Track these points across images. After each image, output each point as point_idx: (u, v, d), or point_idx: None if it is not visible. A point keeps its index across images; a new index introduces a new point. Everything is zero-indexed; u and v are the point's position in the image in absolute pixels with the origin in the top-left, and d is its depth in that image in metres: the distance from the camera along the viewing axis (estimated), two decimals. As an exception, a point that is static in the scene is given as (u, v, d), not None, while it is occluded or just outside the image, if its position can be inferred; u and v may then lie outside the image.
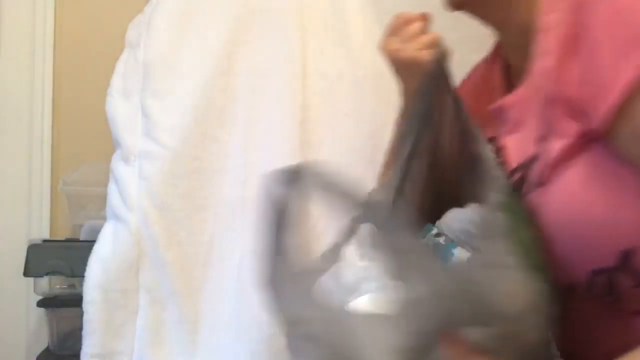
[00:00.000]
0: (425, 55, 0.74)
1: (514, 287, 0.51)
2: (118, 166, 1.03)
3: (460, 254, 0.61)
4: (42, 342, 1.36)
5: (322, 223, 0.95)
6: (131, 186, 1.01)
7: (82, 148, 1.50)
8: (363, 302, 0.59)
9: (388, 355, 0.46)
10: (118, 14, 1.46)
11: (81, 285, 0.98)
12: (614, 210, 0.54)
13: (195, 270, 1.03)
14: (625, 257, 0.54)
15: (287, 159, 1.05)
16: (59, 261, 1.14)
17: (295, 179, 0.56)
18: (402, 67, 0.79)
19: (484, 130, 0.64)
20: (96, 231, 1.03)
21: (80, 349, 0.98)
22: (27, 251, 1.15)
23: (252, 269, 1.03)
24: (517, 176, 0.63)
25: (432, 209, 0.67)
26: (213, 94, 1.05)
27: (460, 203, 0.65)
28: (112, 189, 1.04)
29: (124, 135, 1.03)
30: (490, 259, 0.52)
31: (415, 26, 0.77)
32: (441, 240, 0.63)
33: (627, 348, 0.52)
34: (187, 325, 1.02)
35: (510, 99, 0.67)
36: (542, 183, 0.59)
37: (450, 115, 0.65)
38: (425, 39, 0.76)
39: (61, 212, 1.48)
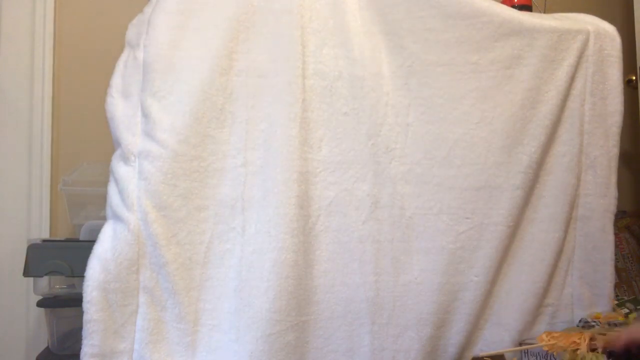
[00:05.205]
0: None
1: None
2: (118, 166, 1.03)
3: None
4: (42, 342, 1.36)
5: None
6: (131, 186, 1.01)
7: (82, 148, 1.50)
8: None
9: None
10: (118, 14, 1.46)
11: (81, 285, 0.98)
12: None
13: (195, 270, 1.03)
14: None
15: (287, 159, 1.05)
16: (59, 261, 1.14)
17: None
18: None
19: None
20: (96, 231, 1.03)
21: (80, 349, 0.98)
22: (27, 251, 1.15)
23: (252, 269, 1.04)
24: None
25: None
26: (213, 93, 1.05)
27: None
28: (111, 188, 1.04)
29: (124, 135, 1.03)
30: None
31: None
32: None
33: None
34: (187, 325, 1.02)
35: None
36: None
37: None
38: None
39: (61, 212, 1.48)
